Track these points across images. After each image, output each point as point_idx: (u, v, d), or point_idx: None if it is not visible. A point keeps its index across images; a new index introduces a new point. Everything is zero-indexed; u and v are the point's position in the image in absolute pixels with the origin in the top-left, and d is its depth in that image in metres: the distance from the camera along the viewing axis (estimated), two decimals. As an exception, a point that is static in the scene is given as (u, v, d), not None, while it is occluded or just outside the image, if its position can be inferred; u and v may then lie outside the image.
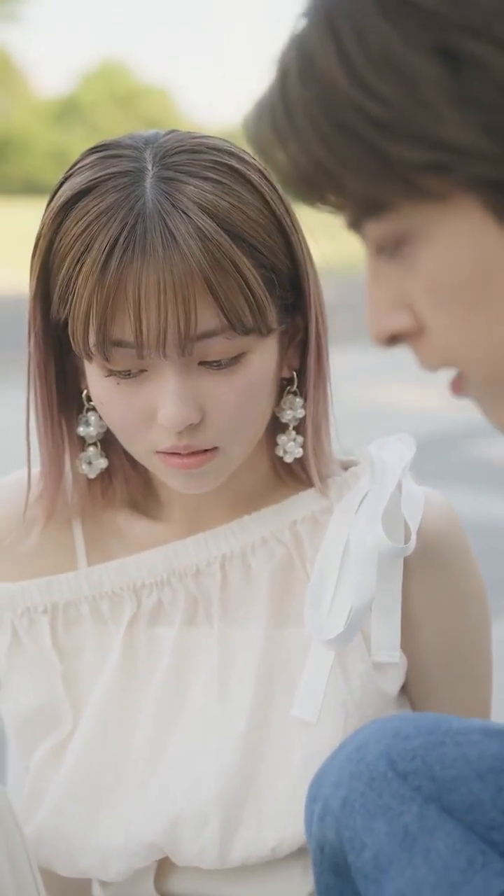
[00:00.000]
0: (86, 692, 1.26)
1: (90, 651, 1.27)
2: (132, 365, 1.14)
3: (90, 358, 1.15)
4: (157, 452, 1.17)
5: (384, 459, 1.27)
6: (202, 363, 1.14)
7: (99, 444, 1.25)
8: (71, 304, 1.14)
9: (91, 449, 1.25)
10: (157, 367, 1.14)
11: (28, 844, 1.19)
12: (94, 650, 1.27)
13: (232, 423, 1.16)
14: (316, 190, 0.79)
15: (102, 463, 1.25)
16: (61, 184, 1.18)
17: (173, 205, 1.12)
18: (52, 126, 56.41)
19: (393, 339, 0.83)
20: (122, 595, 1.26)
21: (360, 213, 0.79)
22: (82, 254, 1.13)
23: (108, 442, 1.25)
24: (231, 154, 1.17)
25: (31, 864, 1.18)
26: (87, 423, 1.24)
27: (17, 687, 1.27)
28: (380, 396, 7.78)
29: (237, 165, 1.16)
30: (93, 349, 1.14)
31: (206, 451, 1.16)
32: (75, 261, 1.13)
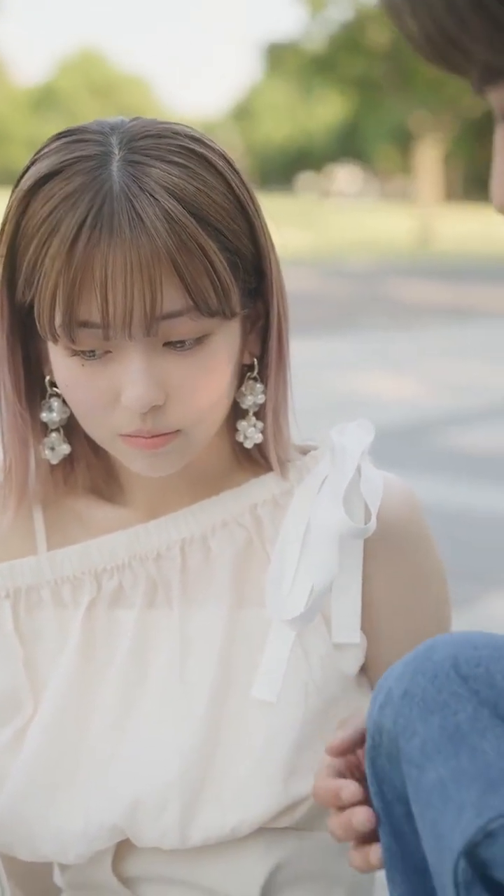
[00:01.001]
0: (46, 677, 1.27)
1: (50, 635, 1.27)
2: (97, 346, 1.15)
3: (56, 339, 1.16)
4: (121, 435, 1.18)
5: (344, 444, 1.28)
6: (166, 345, 1.16)
7: (62, 429, 1.26)
8: (37, 286, 1.15)
9: (54, 435, 1.25)
10: (121, 348, 1.15)
11: None
12: (55, 634, 1.27)
13: (195, 406, 1.17)
14: (443, 56, 0.81)
15: (65, 449, 1.26)
16: (27, 169, 1.19)
17: (140, 187, 1.13)
18: (29, 115, 56.24)
19: None
20: (82, 579, 1.27)
21: (484, 80, 0.82)
22: (49, 235, 1.13)
23: (70, 428, 1.26)
24: (196, 140, 1.18)
25: None
26: (51, 409, 1.25)
27: None
28: (358, 385, 7.81)
29: (202, 150, 1.17)
30: (59, 330, 1.15)
31: (168, 433, 1.18)
32: (42, 242, 1.14)
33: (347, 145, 51.11)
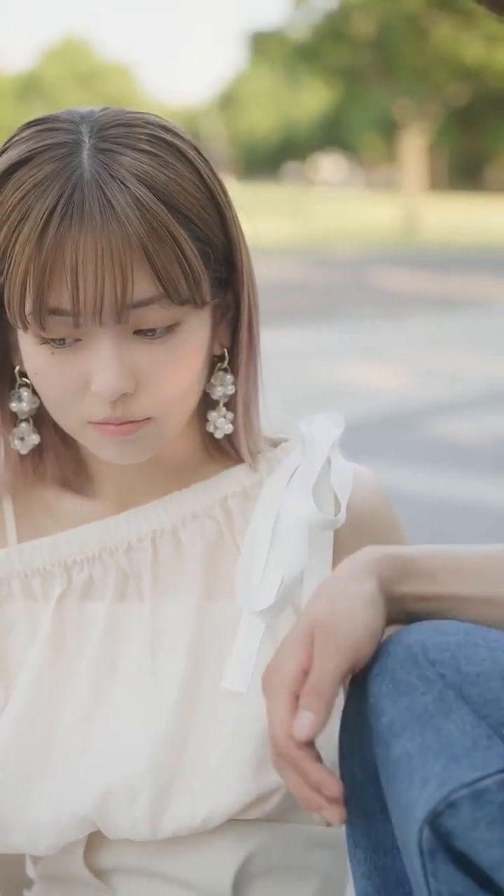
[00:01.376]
0: (16, 669, 1.27)
1: (20, 628, 1.27)
2: (67, 333, 1.15)
3: (25, 327, 1.16)
4: (91, 423, 1.18)
5: (313, 435, 1.28)
6: (136, 332, 1.16)
7: (31, 419, 1.25)
8: (7, 273, 1.15)
9: (23, 424, 1.25)
10: (92, 335, 1.15)
11: None
12: (25, 627, 1.27)
13: (165, 394, 1.17)
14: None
15: (35, 439, 1.26)
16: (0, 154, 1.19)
17: (111, 175, 1.13)
18: (13, 103, 56.04)
19: None
20: (52, 571, 1.27)
21: None
22: (19, 222, 1.13)
23: (39, 418, 1.26)
24: (166, 129, 1.18)
25: None
26: (20, 399, 1.24)
27: None
28: (344, 374, 7.81)
29: (172, 140, 1.17)
30: (29, 318, 1.14)
31: (138, 421, 1.17)
32: (12, 229, 1.14)
33: (332, 134, 51.07)
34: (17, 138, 1.18)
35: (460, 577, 1.15)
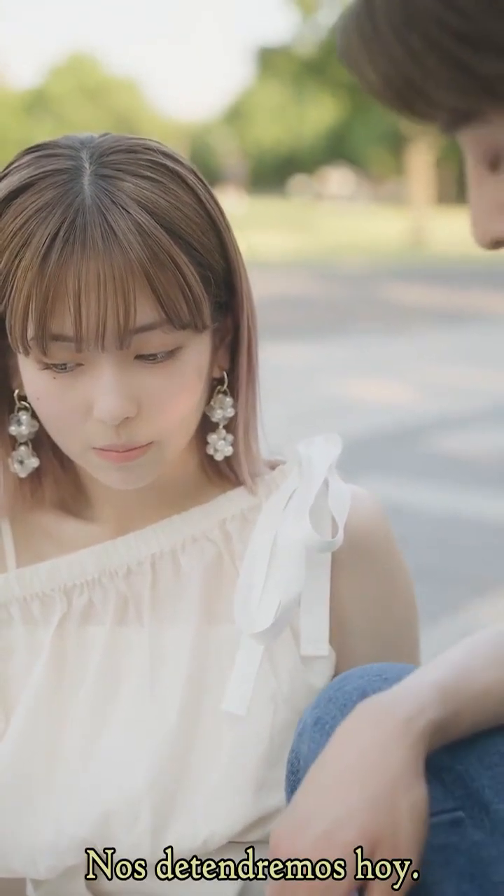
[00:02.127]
0: (16, 694, 1.27)
1: (20, 653, 1.27)
2: (69, 358, 1.15)
3: (27, 352, 1.16)
4: (94, 448, 1.18)
5: (311, 457, 1.28)
6: (138, 357, 1.16)
7: (30, 443, 1.26)
8: (9, 299, 1.15)
9: (22, 448, 1.25)
10: (93, 360, 1.15)
11: None
12: (25, 652, 1.27)
13: (167, 418, 1.18)
14: (405, 103, 0.80)
15: (34, 462, 1.26)
16: None
17: (112, 200, 1.13)
18: (20, 118, 56.21)
19: (497, 244, 0.85)
20: (52, 596, 1.27)
21: (450, 124, 0.81)
22: (21, 248, 1.13)
23: (38, 441, 1.26)
24: (166, 155, 1.19)
25: None
26: (19, 423, 1.24)
27: None
28: (350, 389, 7.80)
29: (173, 166, 1.18)
30: (31, 343, 1.15)
31: (141, 446, 1.18)
32: (14, 255, 1.14)
33: (339, 148, 51.17)
34: (16, 165, 1.18)
35: (483, 709, 1.10)
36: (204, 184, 1.20)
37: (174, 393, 1.17)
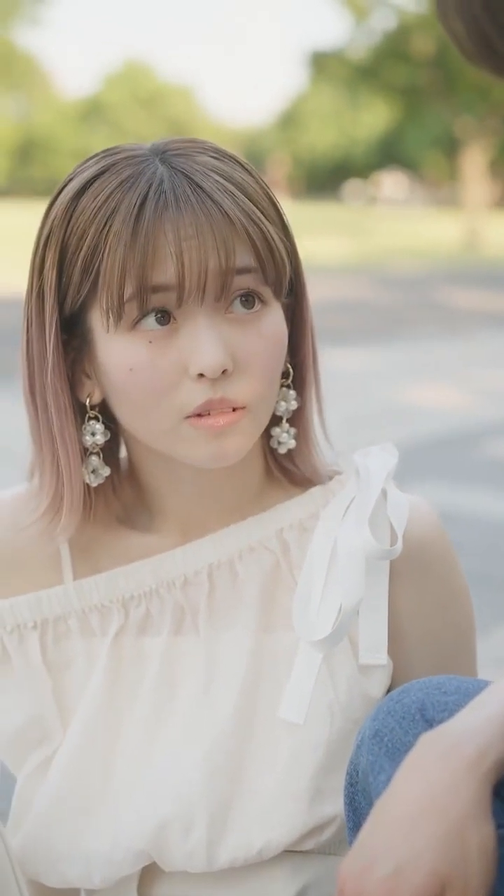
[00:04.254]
0: (74, 705, 1.27)
1: (78, 665, 1.28)
2: (167, 309, 1.16)
3: (120, 318, 1.16)
4: (188, 418, 1.18)
5: (368, 466, 1.29)
6: (229, 312, 1.18)
7: (101, 453, 1.26)
8: (100, 266, 1.16)
9: (94, 458, 1.25)
10: (188, 317, 1.17)
11: (14, 857, 1.19)
12: (82, 663, 1.27)
13: (258, 375, 1.19)
14: (484, 57, 0.85)
15: (106, 471, 1.26)
16: (64, 185, 1.22)
17: (193, 168, 1.17)
18: (76, 127, 56.57)
19: None
20: (110, 607, 1.27)
21: None
22: (109, 216, 1.16)
23: (105, 452, 1.27)
24: (223, 148, 1.23)
25: (17, 876, 1.19)
26: (93, 433, 1.24)
27: (5, 706, 1.28)
28: (406, 394, 7.77)
29: (232, 154, 1.22)
30: (127, 305, 1.16)
31: (235, 410, 1.18)
32: (102, 224, 1.16)
33: (393, 152, 51.02)
34: (82, 167, 1.21)
35: None
36: (261, 177, 1.23)
37: (263, 350, 1.19)
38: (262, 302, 1.19)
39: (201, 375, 1.16)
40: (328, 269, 17.86)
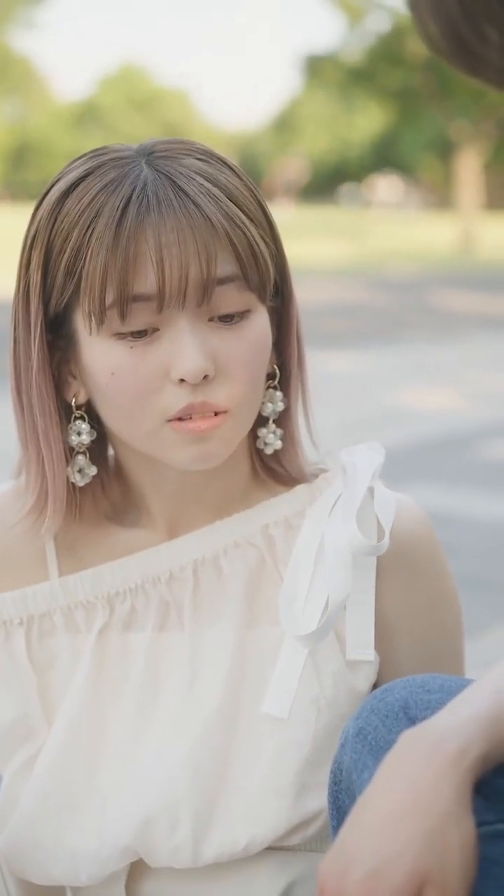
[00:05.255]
0: (59, 701, 1.27)
1: (63, 661, 1.28)
2: (148, 323, 1.16)
3: (101, 322, 1.16)
4: (169, 421, 1.18)
5: (355, 464, 1.29)
6: (211, 319, 1.17)
7: (87, 452, 1.26)
8: (83, 270, 1.16)
9: (80, 457, 1.25)
10: (170, 323, 1.17)
11: (0, 855, 1.20)
12: (67, 660, 1.27)
13: (240, 380, 1.19)
14: (458, 58, 0.84)
15: (93, 470, 1.26)
16: (51, 186, 1.21)
17: (178, 171, 1.17)
18: (71, 130, 56.56)
19: None
20: (95, 603, 1.27)
21: (499, 83, 0.83)
22: (93, 219, 1.16)
23: (91, 451, 1.27)
24: (210, 149, 1.22)
25: (4, 874, 1.19)
26: (79, 432, 1.25)
27: None
28: (401, 396, 7.78)
29: (219, 155, 1.22)
30: (109, 311, 1.16)
31: (217, 414, 1.18)
32: (85, 227, 1.16)
33: (388, 156, 51.06)
34: (69, 167, 1.21)
35: None
36: (248, 178, 1.23)
37: (246, 355, 1.19)
38: (242, 311, 1.19)
39: (183, 380, 1.16)
40: (323, 273, 17.87)
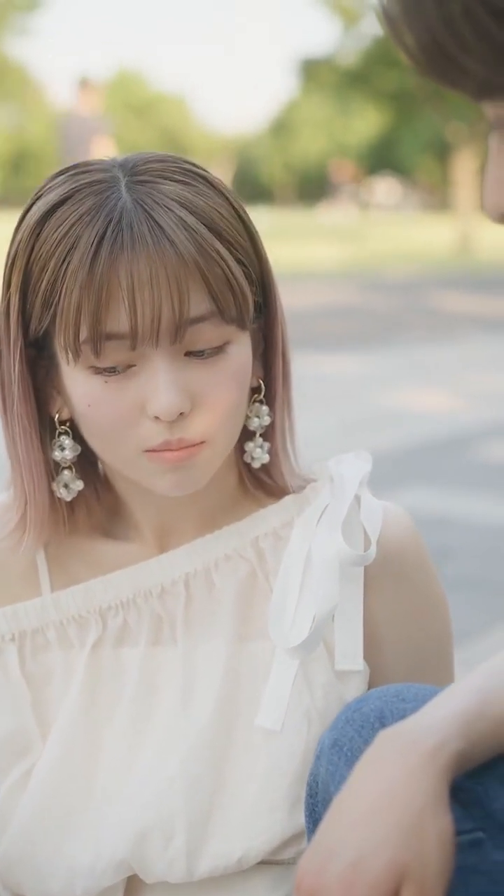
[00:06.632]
0: (53, 716, 1.27)
1: (57, 676, 1.28)
2: (122, 359, 1.16)
3: (77, 357, 1.17)
4: (146, 451, 1.19)
5: (342, 473, 1.29)
6: (188, 354, 1.17)
7: (73, 467, 1.26)
8: (58, 305, 1.16)
9: (66, 472, 1.26)
10: (146, 359, 1.17)
11: None
12: (61, 675, 1.28)
13: (217, 413, 1.19)
14: (437, 68, 0.82)
15: (79, 485, 1.26)
16: (32, 204, 1.21)
17: (154, 200, 1.16)
18: (67, 137, 56.33)
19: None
20: (88, 618, 1.28)
21: (477, 93, 0.83)
22: (68, 253, 1.15)
23: (79, 465, 1.27)
24: (194, 165, 1.22)
25: None
26: (62, 448, 1.25)
27: None
28: (399, 398, 7.78)
29: (202, 173, 1.21)
30: (83, 347, 1.16)
31: (194, 444, 1.18)
32: (61, 260, 1.15)
33: (385, 158, 51.08)
34: (50, 185, 1.21)
35: None
36: (231, 192, 1.22)
37: (223, 388, 1.18)
38: (220, 345, 1.18)
39: (158, 418, 1.17)
40: (321, 275, 17.86)
